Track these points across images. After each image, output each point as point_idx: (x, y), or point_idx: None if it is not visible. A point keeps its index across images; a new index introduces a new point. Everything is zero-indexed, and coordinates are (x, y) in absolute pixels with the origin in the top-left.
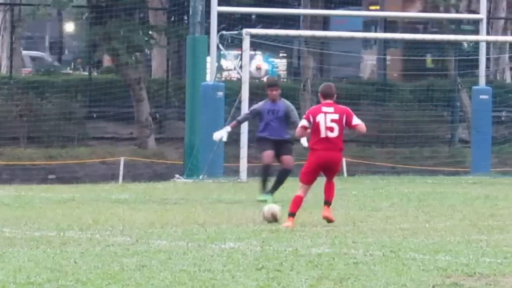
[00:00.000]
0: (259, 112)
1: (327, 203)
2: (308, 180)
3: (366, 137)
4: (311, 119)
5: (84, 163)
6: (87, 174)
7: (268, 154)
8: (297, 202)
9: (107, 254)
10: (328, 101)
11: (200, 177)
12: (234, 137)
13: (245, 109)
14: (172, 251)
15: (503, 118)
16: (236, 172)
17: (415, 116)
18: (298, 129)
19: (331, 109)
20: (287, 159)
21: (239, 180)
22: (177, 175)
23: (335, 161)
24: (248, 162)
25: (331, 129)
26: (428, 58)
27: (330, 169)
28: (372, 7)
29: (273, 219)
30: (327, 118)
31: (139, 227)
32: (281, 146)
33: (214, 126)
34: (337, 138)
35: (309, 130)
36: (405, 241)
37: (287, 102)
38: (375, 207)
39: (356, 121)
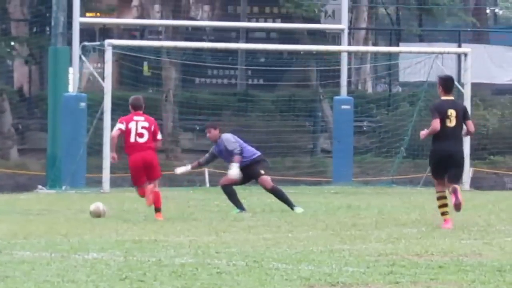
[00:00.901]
0: (214, 154)
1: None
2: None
3: None
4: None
5: None
6: None
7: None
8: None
9: None
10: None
11: (63, 187)
12: (96, 148)
13: (107, 120)
14: (36, 262)
15: (364, 128)
16: (98, 182)
17: (277, 126)
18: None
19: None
20: (262, 179)
21: (102, 191)
22: (40, 186)
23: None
24: (111, 172)
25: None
26: (145, 66)
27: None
28: None
29: (98, 215)
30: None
31: (2, 237)
32: (248, 171)
33: (76, 136)
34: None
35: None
36: (268, 251)
37: (224, 137)
38: (237, 217)
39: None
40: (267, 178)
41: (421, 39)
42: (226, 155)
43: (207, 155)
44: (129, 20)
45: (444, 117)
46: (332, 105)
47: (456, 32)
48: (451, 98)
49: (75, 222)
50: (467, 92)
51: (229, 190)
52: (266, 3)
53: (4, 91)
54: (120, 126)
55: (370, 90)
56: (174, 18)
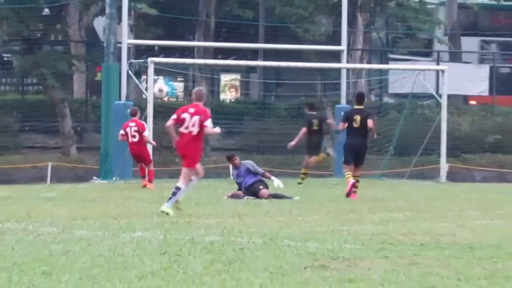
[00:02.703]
0: (236, 176)
1: None
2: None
3: (249, 146)
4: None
5: (18, 168)
6: (21, 177)
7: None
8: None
9: (38, 242)
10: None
11: (113, 179)
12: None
13: (150, 123)
14: (91, 239)
15: None
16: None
17: (289, 129)
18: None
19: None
20: (261, 193)
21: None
22: (94, 177)
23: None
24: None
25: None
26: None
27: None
28: None
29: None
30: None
31: (64, 219)
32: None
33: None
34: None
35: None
36: (281, 231)
37: (248, 162)
38: (256, 203)
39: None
40: (265, 192)
41: (406, 58)
42: (244, 175)
43: (237, 181)
44: (167, 42)
45: (351, 121)
46: (334, 111)
47: (435, 52)
48: (360, 107)
49: (123, 207)
50: (444, 101)
51: (274, 195)
52: (280, 28)
53: (65, 99)
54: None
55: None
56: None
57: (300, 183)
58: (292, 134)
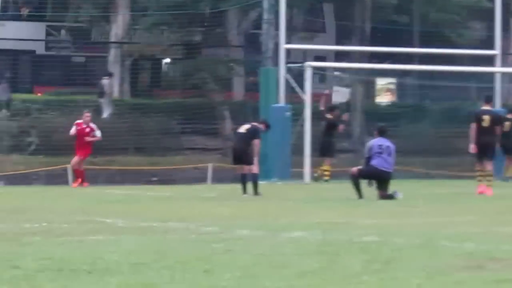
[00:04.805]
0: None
1: None
2: None
3: (405, 148)
4: None
5: (180, 168)
6: (183, 177)
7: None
8: None
9: (200, 241)
10: None
11: (272, 179)
12: (298, 147)
13: (307, 126)
14: (251, 238)
15: None
16: (300, 176)
17: (444, 132)
18: None
19: None
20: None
21: (303, 183)
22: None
23: None
24: (311, 167)
25: None
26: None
27: None
28: None
29: None
30: None
31: (225, 219)
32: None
33: (282, 139)
34: None
35: None
36: (437, 232)
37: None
38: (412, 204)
39: None
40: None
41: None
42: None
43: (376, 150)
44: (324, 47)
45: (479, 120)
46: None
47: None
48: (488, 107)
49: (282, 207)
50: None
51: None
52: (434, 33)
53: (225, 102)
54: None
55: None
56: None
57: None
58: (447, 136)
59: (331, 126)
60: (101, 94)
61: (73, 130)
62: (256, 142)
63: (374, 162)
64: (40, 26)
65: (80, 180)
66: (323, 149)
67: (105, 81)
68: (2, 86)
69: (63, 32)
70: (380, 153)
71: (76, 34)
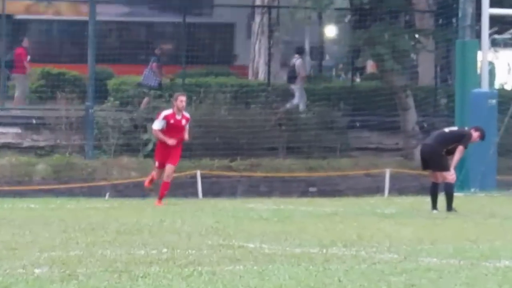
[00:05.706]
0: None
1: None
2: None
3: None
4: None
5: (347, 175)
6: (350, 187)
7: None
8: None
9: (373, 272)
10: None
11: (472, 190)
12: (507, 147)
13: None
14: (443, 269)
15: None
16: (509, 185)
17: None
18: None
19: None
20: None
21: None
22: None
23: None
24: None
25: None
26: None
27: None
28: None
29: None
30: None
31: (407, 243)
32: None
33: (486, 135)
34: None
35: None
36: None
37: None
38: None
39: None
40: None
41: None
42: None
43: None
44: None
45: None
46: None
47: None
48: None
49: (484, 227)
50: None
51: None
52: None
53: (408, 87)
54: None
55: None
56: None
57: None
58: None
59: None
60: (291, 78)
61: (160, 125)
62: (461, 148)
63: None
64: None
65: (160, 200)
66: None
67: (298, 60)
68: (151, 67)
69: None
70: None
71: None
